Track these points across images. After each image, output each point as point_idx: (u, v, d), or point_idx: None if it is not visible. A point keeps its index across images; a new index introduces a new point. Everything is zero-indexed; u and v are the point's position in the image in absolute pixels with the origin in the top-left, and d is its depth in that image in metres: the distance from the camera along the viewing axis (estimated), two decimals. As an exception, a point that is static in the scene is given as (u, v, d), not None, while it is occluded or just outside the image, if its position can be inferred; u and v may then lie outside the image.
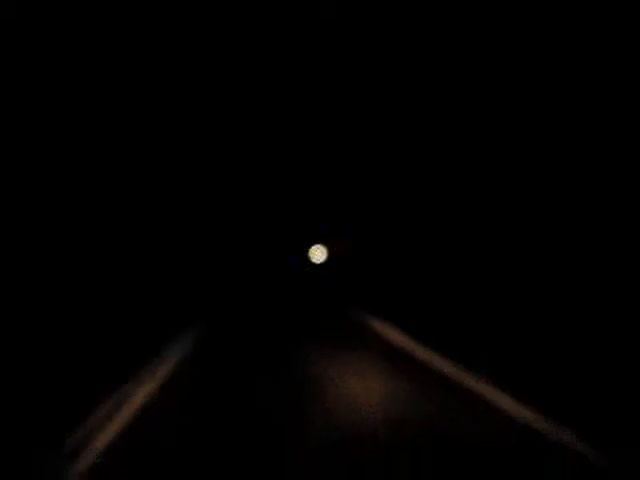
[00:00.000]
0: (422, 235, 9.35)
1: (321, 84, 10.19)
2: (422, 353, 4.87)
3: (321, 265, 12.72)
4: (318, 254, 12.71)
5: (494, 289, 6.51)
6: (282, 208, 13.39)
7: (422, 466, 2.37)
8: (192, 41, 9.16)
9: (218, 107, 10.62)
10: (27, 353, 4.74)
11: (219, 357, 5.22)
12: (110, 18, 7.83)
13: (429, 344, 5.16)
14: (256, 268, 13.35)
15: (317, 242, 12.79)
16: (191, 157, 11.80)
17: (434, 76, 8.66)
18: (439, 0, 8.06)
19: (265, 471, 2.43)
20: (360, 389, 3.72)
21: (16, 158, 7.08)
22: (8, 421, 3.11)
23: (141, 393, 3.80)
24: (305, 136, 11.70)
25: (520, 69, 6.91)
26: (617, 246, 5.11)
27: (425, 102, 8.97)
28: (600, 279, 5.05)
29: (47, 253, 6.92)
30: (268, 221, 13.47)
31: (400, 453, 2.52)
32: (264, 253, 13.40)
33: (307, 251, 12.80)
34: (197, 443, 2.77)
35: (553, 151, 6.44)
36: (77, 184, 7.85)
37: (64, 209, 7.44)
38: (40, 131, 7.52)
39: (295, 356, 5.10)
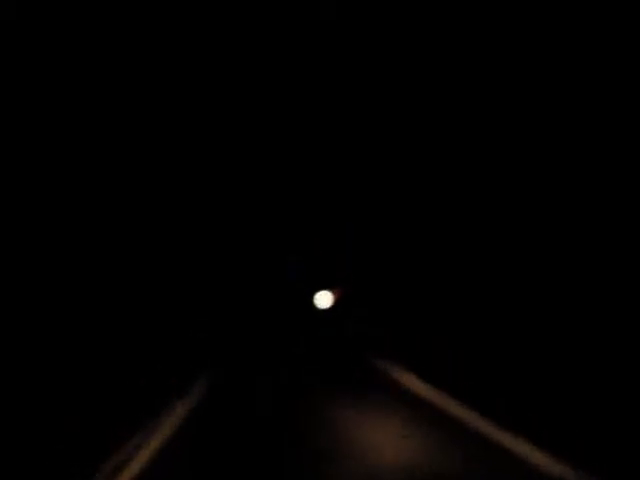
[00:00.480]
0: (438, 276, 8.95)
1: (320, 85, 10.18)
2: (444, 402, 4.66)
3: (327, 311, 12.09)
4: (324, 300, 12.04)
5: (524, 332, 6.12)
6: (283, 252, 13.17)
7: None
8: (191, 41, 9.12)
9: (216, 114, 10.57)
10: (31, 412, 4.56)
11: (232, 405, 5.15)
12: (110, 18, 7.77)
13: (452, 393, 4.91)
14: (261, 316, 12.77)
15: (322, 288, 12.17)
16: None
17: (434, 77, 8.68)
18: (439, 0, 8.07)
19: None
20: (379, 439, 3.62)
21: (16, 159, 7.01)
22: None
23: (147, 449, 3.68)
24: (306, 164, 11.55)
25: (520, 69, 6.94)
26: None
27: (425, 107, 8.99)
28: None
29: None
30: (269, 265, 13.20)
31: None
32: (268, 300, 12.91)
33: (312, 298, 12.14)
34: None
35: (552, 156, 6.47)
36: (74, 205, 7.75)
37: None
38: (40, 131, 7.45)
39: (309, 406, 5.01)
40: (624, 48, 5.44)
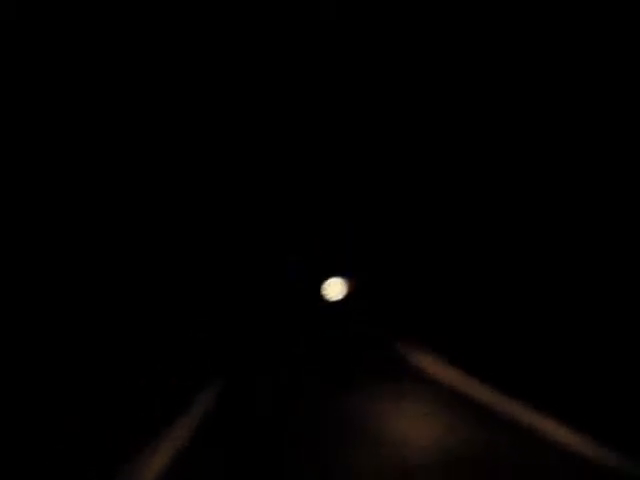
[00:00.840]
0: (454, 257, 8.69)
1: (320, 86, 10.18)
2: (470, 388, 4.63)
3: (337, 304, 10.61)
4: (334, 289, 10.50)
5: (548, 315, 5.90)
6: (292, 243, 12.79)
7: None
8: (190, 41, 9.11)
9: (215, 115, 10.56)
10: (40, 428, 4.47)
11: (232, 406, 5.13)
12: (111, 18, 7.77)
13: (478, 378, 4.87)
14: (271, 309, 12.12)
15: (333, 275, 10.70)
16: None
17: (434, 77, 8.68)
18: (440, 0, 8.07)
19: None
20: (405, 427, 3.60)
21: (16, 159, 7.01)
22: None
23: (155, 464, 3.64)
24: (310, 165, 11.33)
25: (520, 69, 6.95)
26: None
27: (425, 106, 8.99)
28: None
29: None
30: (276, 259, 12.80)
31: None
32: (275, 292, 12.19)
33: (320, 287, 10.60)
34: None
35: (553, 152, 6.48)
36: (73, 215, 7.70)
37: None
38: (40, 131, 7.45)
39: (332, 395, 5.00)
40: (624, 48, 5.44)
